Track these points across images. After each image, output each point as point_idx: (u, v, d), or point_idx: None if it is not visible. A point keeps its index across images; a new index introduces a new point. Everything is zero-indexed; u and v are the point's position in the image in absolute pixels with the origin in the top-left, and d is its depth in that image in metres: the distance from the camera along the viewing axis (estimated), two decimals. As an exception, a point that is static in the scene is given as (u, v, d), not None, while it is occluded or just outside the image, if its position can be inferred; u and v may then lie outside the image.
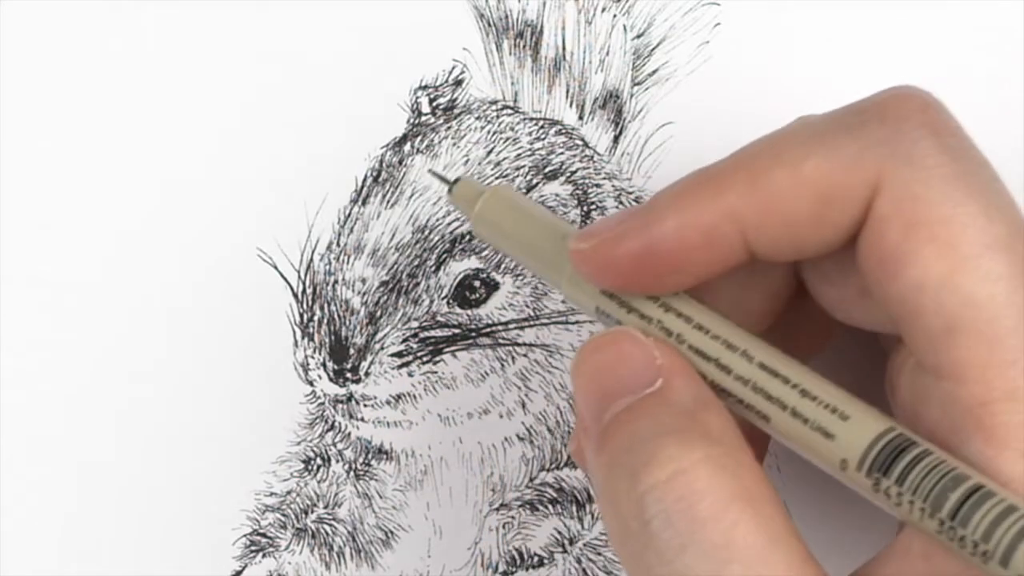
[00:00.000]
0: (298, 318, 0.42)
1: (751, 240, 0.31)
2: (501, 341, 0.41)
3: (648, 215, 0.32)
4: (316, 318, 0.41)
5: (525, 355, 0.41)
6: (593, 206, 0.42)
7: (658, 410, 0.31)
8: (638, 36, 0.42)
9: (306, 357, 0.41)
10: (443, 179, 0.38)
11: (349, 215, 0.42)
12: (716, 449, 0.30)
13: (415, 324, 0.41)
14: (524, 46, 0.42)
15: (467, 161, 0.42)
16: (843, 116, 0.32)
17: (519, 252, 0.35)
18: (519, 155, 0.42)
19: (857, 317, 0.33)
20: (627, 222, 0.32)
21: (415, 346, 0.41)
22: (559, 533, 0.42)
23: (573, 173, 0.42)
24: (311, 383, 0.42)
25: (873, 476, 0.29)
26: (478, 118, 0.42)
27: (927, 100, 0.31)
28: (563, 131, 0.42)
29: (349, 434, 0.42)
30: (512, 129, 0.42)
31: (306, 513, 0.42)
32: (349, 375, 0.41)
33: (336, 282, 0.42)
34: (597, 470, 0.31)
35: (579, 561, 0.42)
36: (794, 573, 0.29)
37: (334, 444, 0.42)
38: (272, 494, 0.42)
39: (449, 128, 0.42)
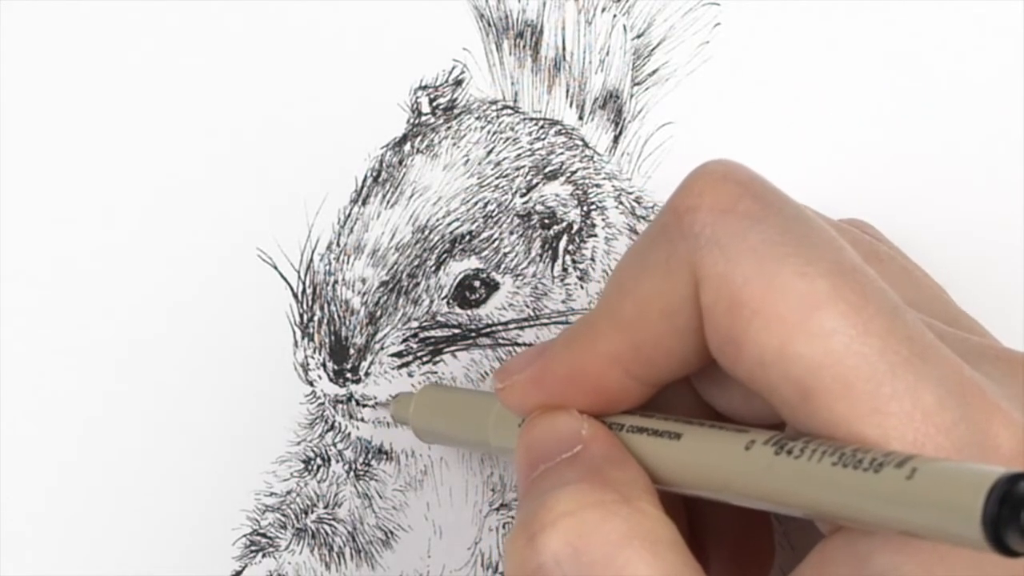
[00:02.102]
0: (298, 318, 0.42)
1: (635, 376, 0.32)
2: (501, 341, 0.41)
3: (545, 365, 0.34)
4: (316, 318, 0.41)
5: (525, 355, 0.41)
6: (593, 206, 0.42)
7: (565, 468, 0.32)
8: (638, 36, 0.42)
9: (306, 357, 0.41)
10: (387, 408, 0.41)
11: (349, 215, 0.42)
12: (609, 495, 0.30)
13: (415, 324, 0.41)
14: (524, 46, 0.42)
15: (467, 161, 0.42)
16: (651, 229, 0.32)
17: (457, 431, 0.39)
18: (519, 155, 0.42)
19: (752, 414, 0.33)
20: (529, 370, 0.34)
21: (415, 346, 0.41)
22: None
23: (573, 173, 0.42)
24: (311, 383, 0.42)
25: (778, 445, 0.29)
26: (478, 118, 0.42)
27: (721, 174, 0.31)
28: (563, 131, 0.42)
29: (349, 434, 0.42)
30: (512, 129, 0.42)
31: (306, 513, 0.42)
32: (349, 375, 0.41)
33: (336, 282, 0.42)
34: (511, 529, 0.33)
35: (579, 561, 0.42)
36: None
37: (334, 444, 0.42)
38: (272, 494, 0.42)
39: (449, 128, 0.42)
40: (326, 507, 0.42)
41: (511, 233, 0.42)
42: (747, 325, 0.29)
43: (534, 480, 0.32)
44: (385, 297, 0.41)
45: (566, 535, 0.30)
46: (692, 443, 0.31)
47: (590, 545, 0.30)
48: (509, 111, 0.42)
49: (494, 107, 0.42)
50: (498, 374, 0.35)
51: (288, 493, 0.42)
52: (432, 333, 0.41)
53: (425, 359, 0.41)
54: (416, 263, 0.41)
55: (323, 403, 0.42)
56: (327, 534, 0.42)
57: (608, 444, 0.32)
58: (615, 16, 0.42)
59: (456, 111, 0.42)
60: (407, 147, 0.42)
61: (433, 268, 0.41)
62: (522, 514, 0.31)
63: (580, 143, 0.42)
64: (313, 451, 0.42)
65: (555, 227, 0.42)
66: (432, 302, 0.41)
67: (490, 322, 0.41)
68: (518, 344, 0.41)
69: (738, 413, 0.33)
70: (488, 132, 0.42)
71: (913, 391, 0.29)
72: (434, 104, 0.42)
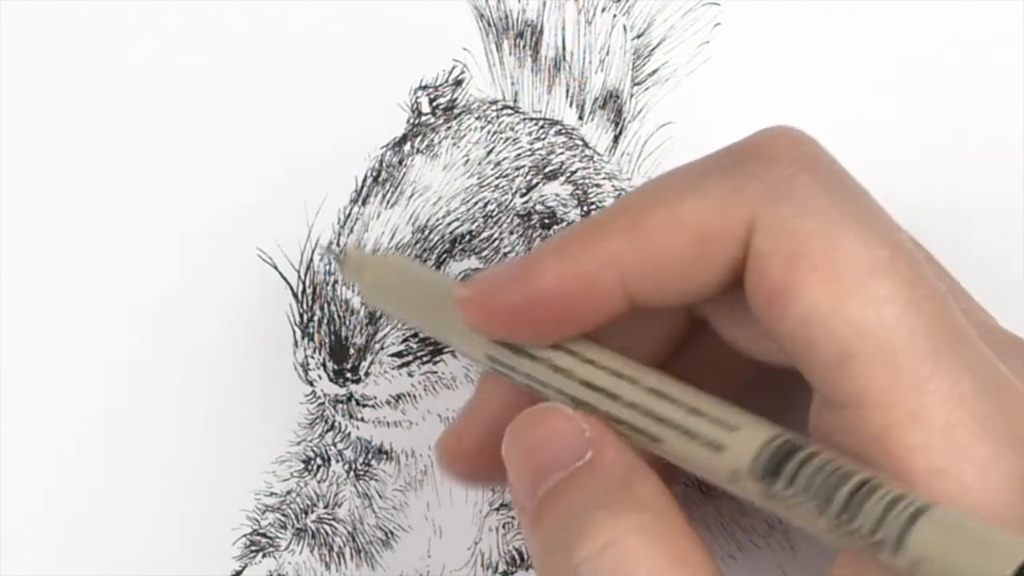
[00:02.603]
0: (298, 318, 0.42)
1: (631, 287, 0.32)
2: (501, 341, 0.41)
3: (529, 264, 0.32)
4: (316, 318, 0.41)
5: (525, 355, 0.41)
6: (593, 206, 0.42)
7: (589, 482, 0.31)
8: (638, 36, 0.42)
9: (306, 357, 0.41)
10: (334, 255, 0.39)
11: (349, 215, 0.42)
12: (647, 516, 0.30)
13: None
14: (524, 46, 0.42)
15: (467, 161, 0.42)
16: (718, 158, 0.32)
17: (411, 315, 0.36)
18: (519, 155, 0.42)
19: (766, 354, 0.33)
20: (508, 272, 0.33)
21: (415, 346, 0.41)
22: None
23: (573, 173, 0.42)
24: (311, 383, 0.42)
25: (764, 482, 0.29)
26: (478, 118, 0.42)
27: (798, 138, 0.32)
28: (563, 131, 0.42)
29: (349, 434, 0.42)
30: (512, 129, 0.42)
31: (306, 513, 0.42)
32: (349, 375, 0.41)
33: (336, 282, 0.42)
34: (534, 546, 0.32)
35: (579, 561, 0.42)
36: None
37: (334, 444, 0.42)
38: (272, 494, 0.42)
39: (449, 128, 0.42)
40: (326, 507, 0.42)
41: (511, 233, 0.42)
42: (803, 278, 0.29)
43: (553, 494, 0.31)
44: (385, 297, 0.41)
45: (613, 563, 0.30)
46: (673, 450, 0.31)
47: (636, 573, 0.29)
48: (509, 111, 0.42)
49: (494, 107, 0.42)
50: (465, 283, 0.34)
51: (288, 493, 0.42)
52: (432, 333, 0.41)
53: (425, 359, 0.41)
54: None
55: (323, 403, 0.42)
56: (327, 534, 0.42)
57: (618, 449, 0.32)
58: (615, 16, 0.42)
59: (456, 111, 0.42)
60: (407, 147, 0.42)
61: (433, 268, 0.41)
62: (552, 535, 0.31)
63: (580, 143, 0.42)
64: (313, 451, 0.42)
65: (555, 227, 0.42)
66: (432, 302, 0.41)
67: (490, 322, 0.41)
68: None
69: (748, 348, 0.33)
70: (488, 132, 0.42)
71: (953, 375, 0.29)
72: (434, 104, 0.42)
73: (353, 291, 0.40)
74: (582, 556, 0.30)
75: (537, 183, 0.42)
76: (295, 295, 0.42)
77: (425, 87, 0.42)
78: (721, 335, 0.34)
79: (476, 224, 0.41)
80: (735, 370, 0.35)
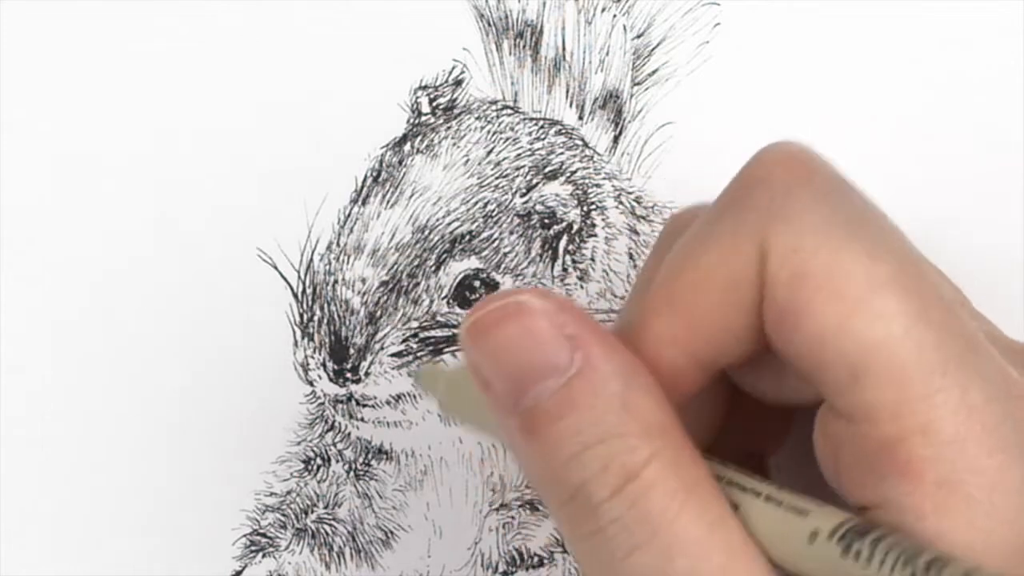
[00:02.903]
0: (298, 318, 0.42)
1: (691, 352, 0.31)
2: (501, 341, 0.41)
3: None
4: (316, 318, 0.41)
5: (525, 355, 0.41)
6: (593, 206, 0.42)
7: (589, 401, 0.30)
8: (638, 36, 0.42)
9: (306, 357, 0.41)
10: (411, 373, 0.40)
11: (349, 215, 0.42)
12: (658, 442, 0.30)
13: (415, 324, 0.41)
14: (524, 46, 0.42)
15: (467, 161, 0.42)
16: (724, 196, 0.31)
17: (487, 423, 0.35)
18: (519, 155, 0.42)
19: (791, 398, 0.32)
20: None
21: (415, 346, 0.41)
22: (559, 533, 0.42)
23: (573, 173, 0.42)
24: (311, 383, 0.42)
25: (844, 541, 0.29)
26: (478, 118, 0.42)
27: (792, 152, 0.31)
28: (563, 131, 0.42)
29: (349, 434, 0.42)
30: (512, 129, 0.42)
31: (306, 513, 0.42)
32: (349, 375, 0.41)
33: (336, 282, 0.42)
34: (528, 458, 0.31)
35: (579, 561, 0.42)
36: (734, 558, 0.29)
37: (334, 444, 0.42)
38: (272, 494, 0.42)
39: (449, 128, 0.42)
40: (326, 507, 0.42)
41: (511, 233, 0.42)
42: (810, 298, 0.29)
43: (550, 410, 0.30)
44: (385, 297, 0.41)
45: (633, 498, 0.29)
46: (750, 518, 0.30)
47: (651, 504, 0.29)
48: (509, 111, 0.42)
49: (494, 107, 0.42)
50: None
51: (288, 493, 0.42)
52: (432, 333, 0.41)
53: (425, 359, 0.41)
54: (416, 263, 0.41)
55: (323, 403, 0.42)
56: (327, 534, 0.42)
57: (606, 352, 0.30)
58: (615, 16, 0.42)
59: (456, 111, 0.42)
60: (407, 147, 0.42)
61: (433, 268, 0.41)
62: (555, 459, 0.30)
63: (580, 143, 0.42)
64: (313, 451, 0.42)
65: (555, 227, 0.42)
66: (432, 302, 0.41)
67: (490, 322, 0.41)
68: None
69: (777, 397, 0.33)
70: (488, 132, 0.42)
71: (963, 386, 0.29)
72: (434, 104, 0.42)
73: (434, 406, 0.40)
74: (603, 495, 0.30)
75: (537, 183, 0.42)
76: (295, 295, 0.42)
77: (425, 87, 0.42)
78: (746, 389, 0.33)
79: (476, 224, 0.41)
80: (771, 430, 0.35)
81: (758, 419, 0.34)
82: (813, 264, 0.29)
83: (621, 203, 0.42)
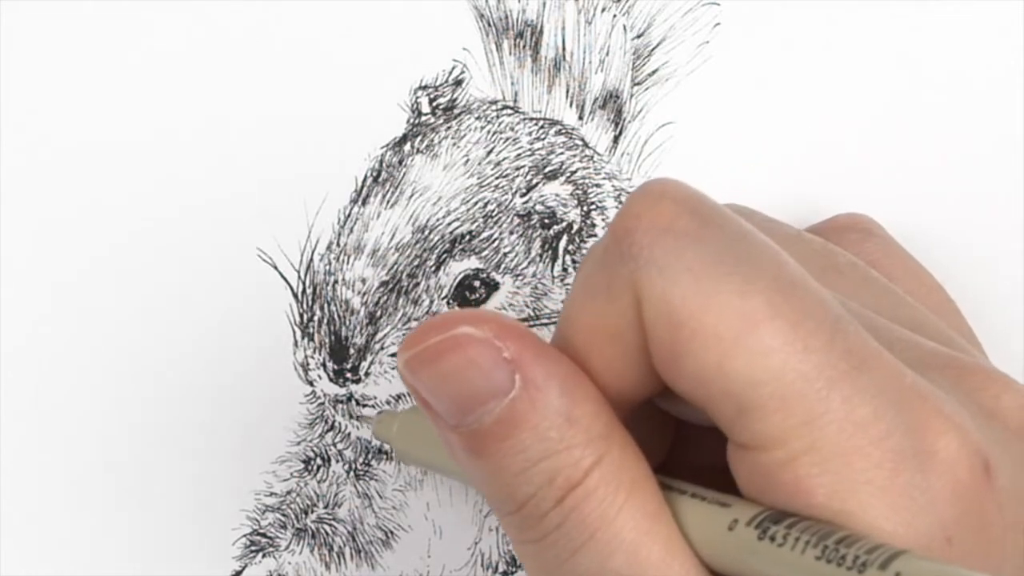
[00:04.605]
0: (298, 318, 0.42)
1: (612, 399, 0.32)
2: (501, 341, 0.41)
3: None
4: (316, 318, 0.41)
5: (525, 355, 0.41)
6: (593, 206, 0.42)
7: (534, 421, 0.31)
8: (638, 36, 0.42)
9: (306, 357, 0.41)
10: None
11: (349, 215, 0.42)
12: (602, 447, 0.31)
13: (415, 324, 0.41)
14: (524, 46, 0.42)
15: (467, 161, 0.42)
16: (597, 248, 0.32)
17: (441, 463, 0.35)
18: (519, 155, 0.42)
19: (707, 421, 0.33)
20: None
21: (415, 346, 0.41)
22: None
23: (573, 173, 0.42)
24: (311, 383, 0.42)
25: (761, 528, 0.30)
26: (478, 118, 0.42)
27: (654, 193, 0.31)
28: (563, 131, 0.42)
29: (349, 434, 0.42)
30: (512, 129, 0.42)
31: (306, 513, 0.42)
32: (349, 375, 0.41)
33: (336, 282, 0.42)
34: (476, 473, 0.32)
35: (579, 561, 0.42)
36: (671, 552, 0.30)
37: (334, 444, 0.42)
38: (272, 494, 0.42)
39: (449, 128, 0.42)
40: (326, 507, 0.42)
41: (511, 233, 0.42)
42: (687, 344, 0.30)
43: (494, 431, 0.31)
44: (385, 297, 0.41)
45: (574, 502, 0.30)
46: (677, 513, 0.31)
47: (593, 507, 0.30)
48: (509, 111, 0.42)
49: (494, 107, 0.42)
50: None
51: (288, 493, 0.42)
52: (432, 333, 0.41)
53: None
54: (416, 263, 0.41)
55: (323, 403, 0.42)
56: (327, 534, 0.42)
57: (546, 370, 0.31)
58: (615, 16, 0.42)
59: (456, 111, 0.42)
60: (407, 147, 0.42)
61: (433, 268, 0.41)
62: (517, 479, 0.31)
63: (580, 143, 0.42)
64: (313, 451, 0.42)
65: (555, 227, 0.42)
66: (432, 302, 0.41)
67: (490, 322, 0.41)
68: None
69: (700, 420, 0.33)
70: (488, 132, 0.42)
71: (848, 404, 0.29)
72: (434, 104, 0.42)
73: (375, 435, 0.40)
74: (548, 505, 0.31)
75: (537, 183, 0.42)
76: (295, 295, 0.42)
77: (425, 87, 0.42)
78: (676, 414, 0.34)
79: (476, 224, 0.41)
80: (661, 435, 0.36)
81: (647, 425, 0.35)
82: (684, 312, 0.30)
83: (621, 203, 0.42)
